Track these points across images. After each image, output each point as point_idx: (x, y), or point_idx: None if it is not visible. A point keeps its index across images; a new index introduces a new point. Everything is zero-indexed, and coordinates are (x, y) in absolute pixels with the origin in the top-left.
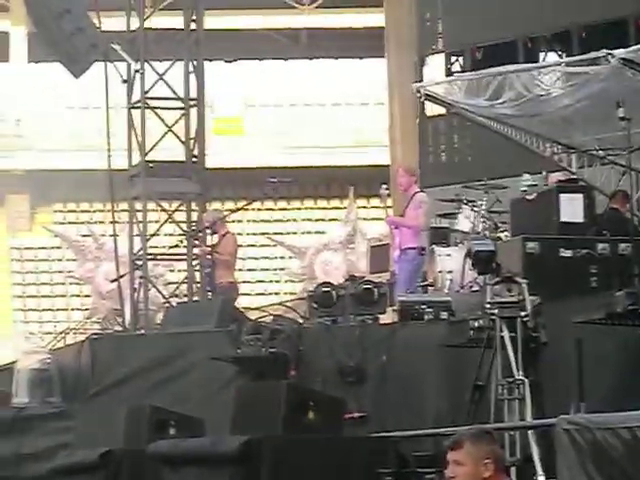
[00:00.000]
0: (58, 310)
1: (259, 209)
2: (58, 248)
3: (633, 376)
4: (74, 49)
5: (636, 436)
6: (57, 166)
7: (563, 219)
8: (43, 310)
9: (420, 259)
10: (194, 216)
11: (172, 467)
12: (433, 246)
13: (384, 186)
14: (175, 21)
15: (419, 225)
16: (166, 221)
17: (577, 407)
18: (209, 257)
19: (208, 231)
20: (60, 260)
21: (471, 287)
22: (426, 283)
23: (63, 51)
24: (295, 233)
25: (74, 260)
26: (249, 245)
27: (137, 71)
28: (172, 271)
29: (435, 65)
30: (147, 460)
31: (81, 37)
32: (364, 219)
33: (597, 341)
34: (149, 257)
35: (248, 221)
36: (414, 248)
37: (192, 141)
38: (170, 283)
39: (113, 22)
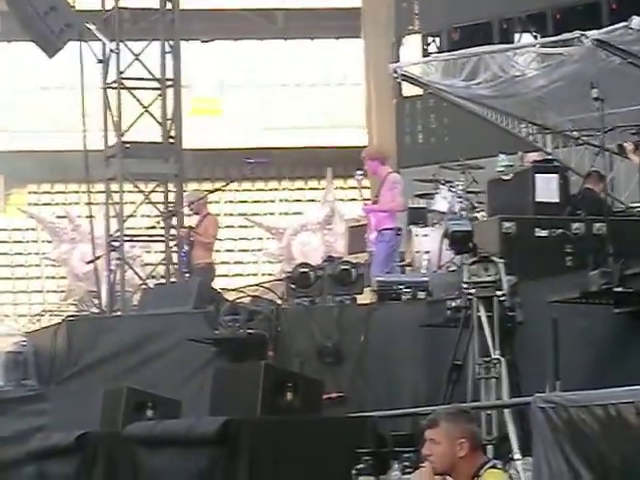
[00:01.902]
0: (33, 292)
1: (236, 190)
2: (33, 230)
3: (608, 354)
4: (48, 28)
5: (610, 414)
6: (31, 147)
7: (538, 199)
8: (18, 292)
9: (397, 239)
10: (171, 197)
11: (149, 449)
12: (410, 226)
13: (358, 172)
14: (151, 0)
15: (396, 207)
16: (143, 202)
17: (553, 385)
18: (188, 238)
19: (189, 211)
20: (35, 242)
21: (448, 267)
22: (403, 263)
23: (37, 31)
24: (273, 214)
25: (49, 242)
26: (227, 226)
27: (112, 51)
28: (149, 252)
29: (412, 46)
30: (124, 442)
31: (55, 16)
32: (342, 200)
33: (572, 320)
34: (126, 238)
35: (225, 202)
36: (391, 229)
37: (169, 122)
38: (147, 264)
39: (88, 1)
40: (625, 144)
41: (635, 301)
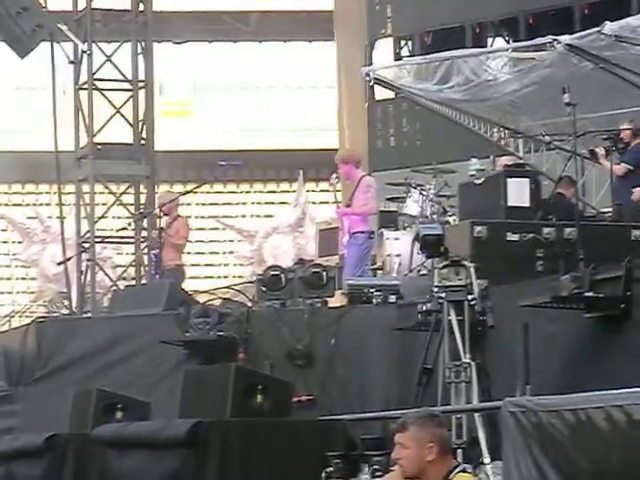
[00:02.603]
0: (3, 293)
1: (208, 192)
2: (3, 231)
3: (578, 359)
4: (19, 29)
5: (580, 418)
6: (2, 147)
7: (510, 203)
8: None
9: (369, 243)
10: (142, 199)
11: (119, 451)
12: (382, 230)
13: (334, 175)
14: (123, 2)
15: (369, 210)
16: (114, 203)
17: (523, 390)
18: (159, 240)
19: (160, 213)
20: (5, 242)
21: (419, 271)
22: (375, 267)
23: (8, 31)
24: (244, 216)
25: (20, 243)
26: (198, 228)
27: (84, 52)
28: (120, 254)
29: (384, 49)
30: (93, 444)
31: (27, 17)
32: (313, 203)
33: (543, 325)
34: (96, 240)
35: (197, 204)
36: (363, 232)
37: (140, 123)
38: (118, 266)
39: (60, 2)
40: (597, 149)
41: (605, 306)
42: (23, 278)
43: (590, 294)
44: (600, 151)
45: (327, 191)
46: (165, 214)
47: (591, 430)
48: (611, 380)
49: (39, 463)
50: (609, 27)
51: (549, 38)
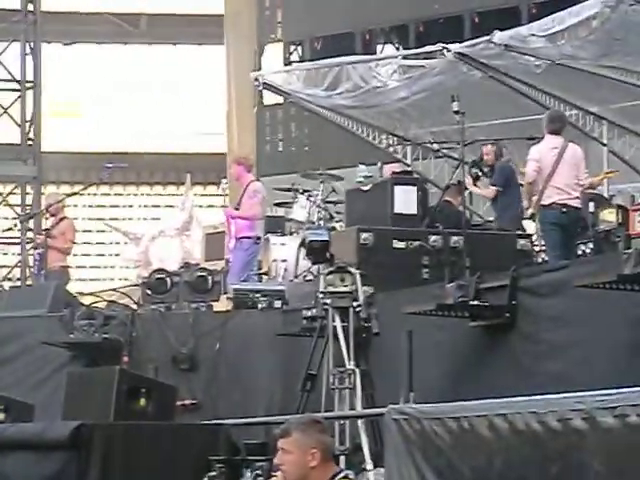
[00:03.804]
0: None
1: (95, 194)
2: None
3: (462, 367)
4: None
5: (462, 426)
6: None
7: (397, 211)
8: None
9: (255, 248)
10: (29, 199)
11: (1, 452)
12: (268, 235)
13: (224, 180)
14: (12, 1)
15: (255, 215)
16: (0, 204)
17: (406, 397)
18: (45, 241)
19: (46, 214)
20: None
21: (305, 276)
22: (260, 272)
23: None
24: (131, 219)
25: None
26: (84, 230)
27: None
28: (5, 255)
29: (274, 54)
30: None
31: None
32: (200, 207)
33: (428, 332)
34: None
35: (84, 206)
36: (249, 237)
37: (28, 124)
38: (3, 267)
39: None
40: (465, 179)
41: (490, 315)
42: None
43: (475, 302)
44: (468, 179)
45: (214, 195)
46: (51, 215)
47: (474, 438)
48: (495, 389)
49: None
50: (499, 36)
51: (439, 46)
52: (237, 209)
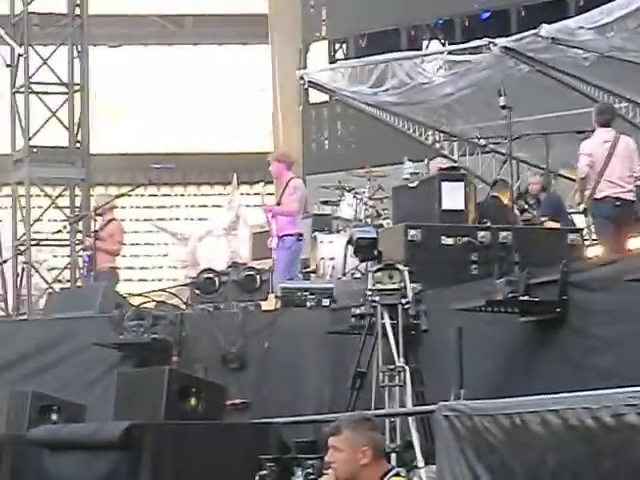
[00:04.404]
0: None
1: (142, 195)
2: None
3: (512, 363)
4: None
5: (515, 423)
6: None
7: (444, 207)
8: None
9: (298, 245)
10: (77, 201)
11: (54, 453)
12: (316, 233)
13: (261, 184)
14: (59, 5)
15: (294, 211)
16: (50, 206)
17: (457, 394)
18: (94, 242)
19: (95, 216)
20: None
21: (353, 274)
22: (308, 270)
23: None
24: (178, 219)
25: None
26: (132, 231)
27: (21, 55)
28: (55, 257)
29: (319, 52)
30: (29, 446)
31: None
32: (247, 206)
33: (477, 328)
34: (32, 242)
35: (131, 207)
36: (291, 235)
37: (76, 126)
38: (53, 269)
39: None
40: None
41: (541, 310)
42: None
43: (525, 298)
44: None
45: (260, 194)
46: (99, 214)
47: (526, 435)
48: (546, 384)
49: None
50: (546, 29)
51: (485, 41)
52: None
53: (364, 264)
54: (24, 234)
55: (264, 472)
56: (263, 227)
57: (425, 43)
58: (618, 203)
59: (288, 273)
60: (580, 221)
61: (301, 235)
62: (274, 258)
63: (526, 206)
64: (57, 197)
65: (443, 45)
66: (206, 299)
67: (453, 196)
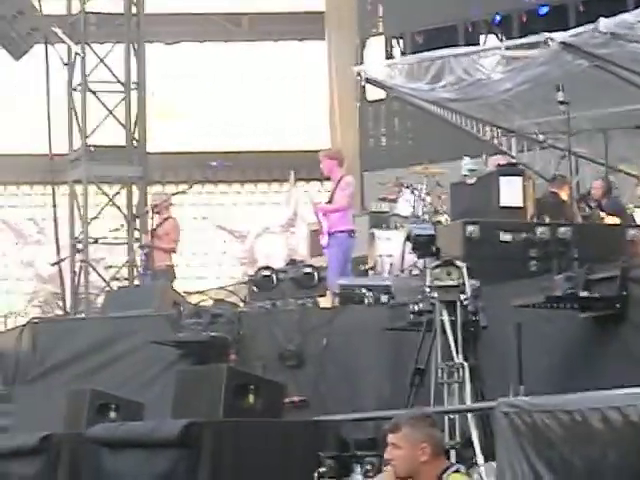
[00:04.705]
0: None
1: (200, 193)
2: None
3: (571, 359)
4: (15, 32)
5: (574, 419)
6: None
7: (503, 203)
8: None
9: (350, 242)
10: (135, 200)
11: (112, 451)
12: (373, 230)
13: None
14: (116, 4)
15: (344, 206)
16: (107, 204)
17: (516, 390)
18: (151, 240)
19: (152, 214)
20: (0, 244)
21: (411, 271)
22: (366, 267)
23: (3, 34)
24: (236, 217)
25: (15, 244)
26: (190, 229)
27: (78, 54)
28: (113, 255)
29: (375, 48)
30: (87, 444)
31: (22, 20)
32: (305, 203)
33: (536, 324)
34: (90, 241)
35: (189, 205)
36: (343, 231)
37: (133, 125)
38: (110, 267)
39: (54, 5)
40: None
41: (600, 306)
42: (18, 279)
43: (585, 294)
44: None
45: (318, 192)
46: (156, 212)
47: (586, 431)
48: (606, 380)
49: (34, 462)
50: (604, 24)
51: (543, 36)
52: (329, 203)
53: (422, 260)
54: (82, 232)
55: (323, 469)
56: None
57: (482, 39)
58: None
59: (343, 269)
60: None
61: (353, 231)
62: (325, 255)
63: (587, 209)
64: (114, 195)
65: (500, 41)
66: (264, 296)
67: (511, 192)
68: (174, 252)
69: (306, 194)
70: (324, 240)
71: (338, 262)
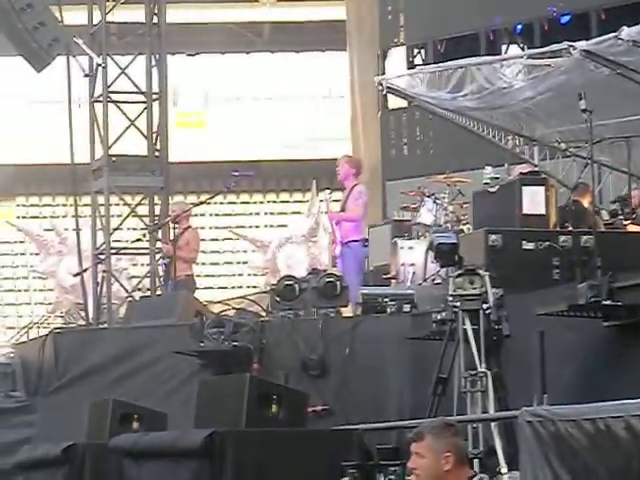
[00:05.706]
0: (21, 305)
1: (221, 203)
2: (21, 242)
3: (595, 368)
4: (36, 43)
5: (598, 428)
6: (19, 160)
7: (525, 211)
8: (6, 305)
9: (363, 251)
10: (157, 210)
11: (135, 461)
12: (396, 239)
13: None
14: (137, 15)
15: (358, 216)
16: (129, 215)
17: (540, 399)
18: (172, 251)
19: (173, 224)
20: (23, 254)
21: (433, 280)
22: (388, 276)
23: (25, 46)
24: (257, 226)
25: (37, 254)
26: (212, 239)
27: (99, 65)
28: (135, 265)
29: (397, 58)
30: (110, 454)
31: (43, 32)
32: (326, 213)
33: (560, 333)
34: (112, 251)
35: (210, 215)
36: (357, 240)
37: (154, 135)
38: (133, 277)
39: (75, 16)
40: None
41: (624, 314)
42: (40, 290)
43: (608, 302)
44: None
45: (338, 201)
46: (175, 222)
47: (610, 440)
48: (630, 389)
49: (57, 473)
50: (626, 32)
51: (565, 44)
52: (342, 212)
53: (445, 269)
54: (104, 243)
55: (346, 478)
56: None
57: (504, 48)
58: None
59: (357, 279)
60: None
61: (366, 240)
62: (338, 265)
63: (620, 212)
64: (136, 206)
65: (522, 49)
66: (286, 306)
67: (534, 200)
68: (194, 262)
69: (333, 203)
70: (337, 249)
71: (356, 273)
